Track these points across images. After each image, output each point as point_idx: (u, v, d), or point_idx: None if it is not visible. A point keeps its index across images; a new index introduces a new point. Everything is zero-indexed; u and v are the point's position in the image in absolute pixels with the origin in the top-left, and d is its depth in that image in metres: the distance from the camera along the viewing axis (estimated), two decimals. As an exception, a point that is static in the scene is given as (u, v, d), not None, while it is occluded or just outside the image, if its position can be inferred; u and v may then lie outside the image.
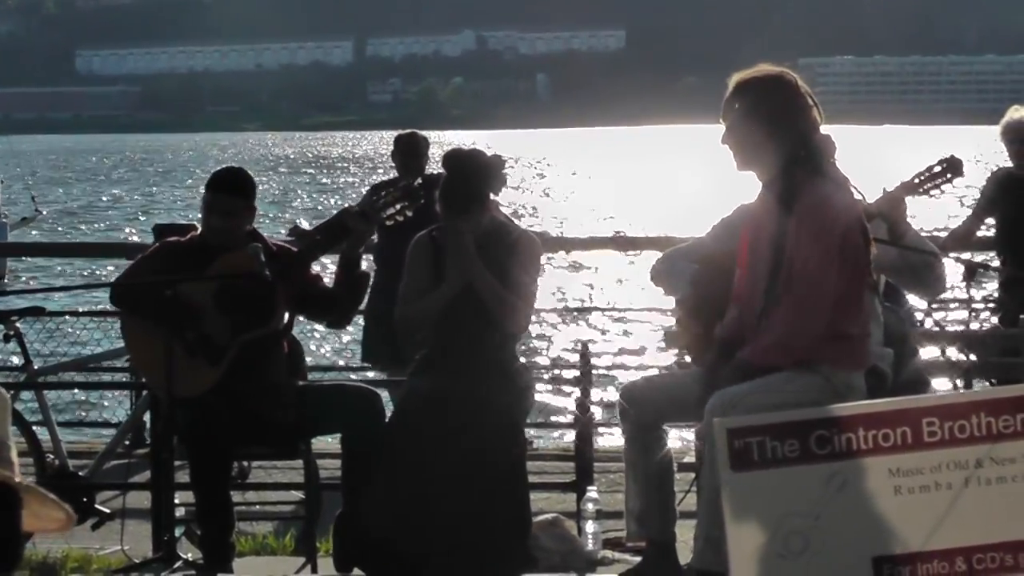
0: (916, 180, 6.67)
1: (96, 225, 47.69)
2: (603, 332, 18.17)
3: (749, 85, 5.60)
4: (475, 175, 6.54)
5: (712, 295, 6.04)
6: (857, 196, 5.71)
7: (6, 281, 27.40)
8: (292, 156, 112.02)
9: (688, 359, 6.57)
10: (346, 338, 12.70)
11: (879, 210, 6.34)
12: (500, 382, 6.42)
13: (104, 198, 61.78)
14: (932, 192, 6.72)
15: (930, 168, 6.72)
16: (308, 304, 6.64)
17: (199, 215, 6.68)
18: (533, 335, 16.91)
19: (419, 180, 9.22)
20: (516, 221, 7.08)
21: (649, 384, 6.29)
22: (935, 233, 8.94)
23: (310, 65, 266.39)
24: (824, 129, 5.72)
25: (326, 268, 6.87)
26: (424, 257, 6.60)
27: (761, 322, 5.55)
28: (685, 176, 58.06)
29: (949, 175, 6.70)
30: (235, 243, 6.51)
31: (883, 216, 6.36)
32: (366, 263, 6.81)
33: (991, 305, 9.88)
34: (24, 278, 29.01)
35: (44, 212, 40.27)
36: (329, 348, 12.56)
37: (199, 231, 6.71)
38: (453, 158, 6.62)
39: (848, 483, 4.23)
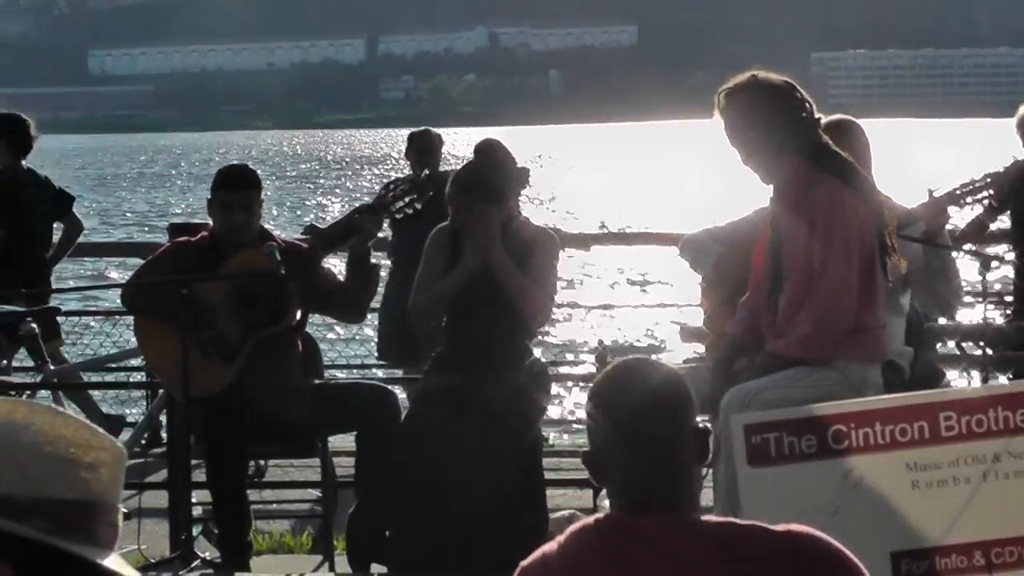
0: (958, 191, 6.80)
1: (116, 226, 47.66)
2: (619, 328, 18.13)
3: (735, 96, 5.59)
4: (504, 166, 6.61)
5: (733, 283, 6.06)
6: (884, 196, 5.74)
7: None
8: (305, 154, 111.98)
9: (702, 354, 6.57)
10: (362, 337, 12.70)
11: (920, 215, 6.50)
12: (516, 378, 6.41)
13: (123, 201, 61.76)
14: (972, 205, 6.90)
15: (973, 181, 6.84)
16: (322, 300, 6.64)
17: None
18: (549, 331, 16.90)
19: (426, 172, 9.23)
20: (532, 218, 7.07)
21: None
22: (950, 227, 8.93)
23: (322, 63, 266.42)
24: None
25: (335, 265, 6.87)
26: (441, 247, 6.59)
27: (776, 321, 5.56)
28: (698, 171, 57.98)
29: (991, 191, 6.85)
30: (250, 240, 6.50)
31: (924, 221, 6.51)
32: (382, 261, 6.81)
33: (1008, 299, 9.85)
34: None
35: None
36: (345, 346, 12.54)
37: (209, 230, 6.71)
38: (487, 146, 6.78)
39: (865, 478, 4.22)
